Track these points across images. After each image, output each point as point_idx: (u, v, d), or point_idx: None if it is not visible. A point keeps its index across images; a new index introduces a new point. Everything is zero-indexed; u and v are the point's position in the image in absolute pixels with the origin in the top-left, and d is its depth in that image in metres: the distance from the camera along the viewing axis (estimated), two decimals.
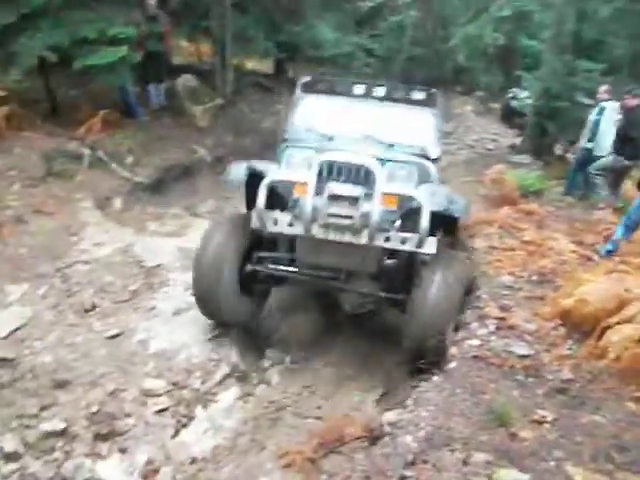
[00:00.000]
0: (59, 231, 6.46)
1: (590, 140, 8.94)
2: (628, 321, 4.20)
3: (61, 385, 4.65)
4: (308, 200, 4.46)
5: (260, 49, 12.68)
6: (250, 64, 14.92)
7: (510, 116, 17.13)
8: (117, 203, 7.77)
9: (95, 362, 4.91)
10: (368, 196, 4.50)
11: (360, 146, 5.27)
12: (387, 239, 4.53)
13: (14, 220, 6.40)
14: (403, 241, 4.52)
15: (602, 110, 8.84)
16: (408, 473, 2.92)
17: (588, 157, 8.98)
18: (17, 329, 5.13)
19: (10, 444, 4.11)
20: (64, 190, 7.25)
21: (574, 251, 6.40)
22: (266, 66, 15.23)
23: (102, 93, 9.26)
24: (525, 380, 4.02)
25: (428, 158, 5.53)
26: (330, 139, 5.53)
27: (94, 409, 4.48)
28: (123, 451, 4.27)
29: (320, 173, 4.65)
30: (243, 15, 11.54)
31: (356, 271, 4.98)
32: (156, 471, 4.14)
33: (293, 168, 5.18)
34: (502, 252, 6.43)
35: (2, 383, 4.59)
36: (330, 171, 4.79)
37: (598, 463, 3.11)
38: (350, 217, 4.44)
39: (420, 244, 4.45)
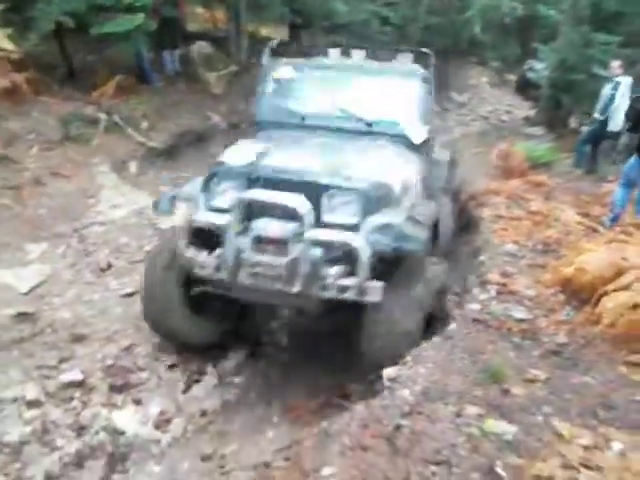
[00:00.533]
0: (76, 193, 6.66)
1: (602, 114, 8.94)
2: (624, 289, 4.32)
3: (79, 339, 4.89)
4: (230, 246, 4.05)
5: (274, 15, 12.67)
6: (265, 31, 14.91)
7: (525, 88, 17.04)
8: (132, 167, 7.95)
9: (111, 319, 5.15)
10: (300, 235, 3.98)
11: (334, 122, 5.11)
12: (323, 287, 3.99)
13: (33, 182, 6.60)
14: (342, 290, 3.97)
15: (617, 85, 8.81)
16: (404, 422, 3.11)
17: (600, 131, 9.00)
18: (37, 286, 5.37)
19: (32, 392, 4.32)
20: (81, 154, 7.44)
21: (580, 222, 6.51)
22: (281, 33, 15.22)
23: (118, 58, 9.38)
24: (521, 342, 4.17)
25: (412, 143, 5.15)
26: (302, 118, 5.27)
27: (109, 362, 4.70)
28: (137, 402, 4.47)
29: (249, 205, 4.14)
30: None
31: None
32: (168, 421, 4.36)
33: (221, 198, 4.35)
34: (508, 221, 6.56)
35: (23, 336, 4.83)
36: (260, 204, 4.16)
37: (584, 419, 3.27)
38: (277, 266, 3.96)
39: (362, 293, 3.93)
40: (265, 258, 3.99)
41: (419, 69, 5.53)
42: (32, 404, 4.26)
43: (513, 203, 7.17)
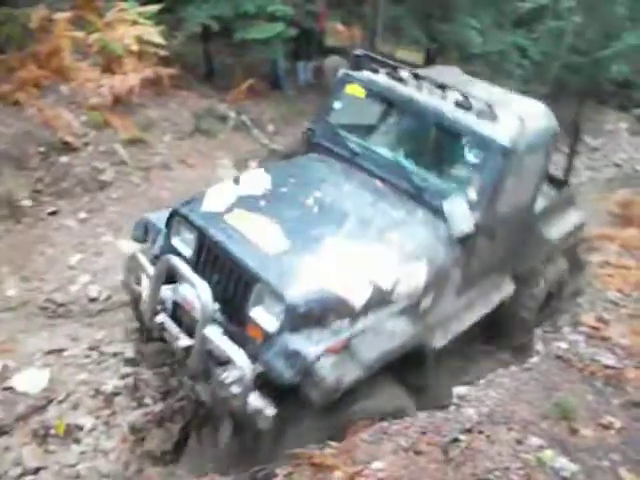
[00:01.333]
0: (198, 181, 7.14)
1: None
2: None
3: None
4: (150, 297, 3.76)
5: (410, 39, 12.86)
6: (400, 54, 15.14)
7: None
8: (253, 165, 8.40)
9: None
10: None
11: (386, 172, 4.31)
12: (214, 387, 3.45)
13: (161, 166, 7.18)
14: (228, 397, 3.30)
15: None
16: (462, 437, 3.15)
17: None
18: None
19: (130, 352, 4.71)
20: (207, 146, 7.97)
21: None
22: (416, 57, 15.37)
23: (254, 64, 9.94)
24: (603, 388, 4.05)
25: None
26: (354, 154, 4.51)
27: None
28: None
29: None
30: (397, 4, 11.77)
31: None
32: None
33: (178, 239, 3.98)
34: (616, 269, 6.31)
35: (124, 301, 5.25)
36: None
37: None
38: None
39: (255, 418, 3.24)
40: (170, 326, 3.69)
41: (506, 138, 4.08)
42: (129, 362, 4.63)
43: (625, 252, 6.87)
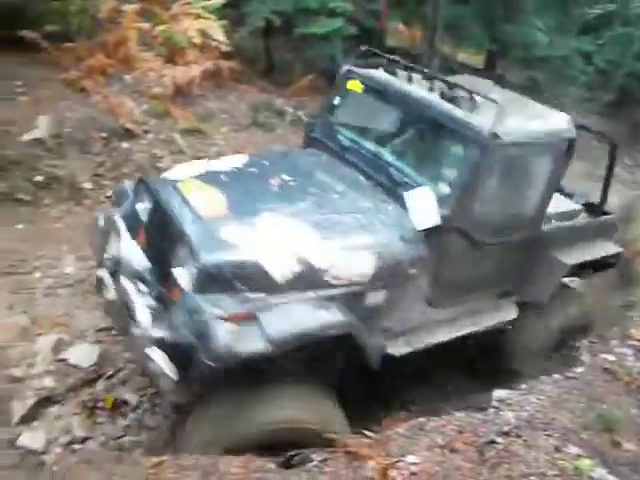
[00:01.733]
0: None
1: None
2: None
3: None
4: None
5: (471, 40, 12.72)
6: (461, 56, 14.98)
7: None
8: None
9: None
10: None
11: (369, 167, 4.19)
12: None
13: (217, 156, 7.27)
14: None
15: None
16: (499, 439, 3.13)
17: None
18: None
19: None
20: (263, 139, 8.09)
21: None
22: (477, 60, 15.19)
23: (313, 60, 10.01)
24: None
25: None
26: (343, 149, 4.44)
27: None
28: None
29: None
30: (459, 4, 11.65)
31: None
32: None
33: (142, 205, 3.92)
34: None
35: None
36: None
37: None
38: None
39: (159, 380, 3.16)
40: (106, 280, 3.65)
41: (483, 129, 3.74)
42: None
43: None
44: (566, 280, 4.91)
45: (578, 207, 5.05)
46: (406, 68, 4.38)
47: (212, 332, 2.99)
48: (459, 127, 3.84)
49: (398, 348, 3.76)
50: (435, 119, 4.02)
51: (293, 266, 3.31)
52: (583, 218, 5.01)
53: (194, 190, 3.72)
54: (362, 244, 3.56)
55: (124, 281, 3.43)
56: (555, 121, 4.28)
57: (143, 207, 3.85)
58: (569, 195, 5.24)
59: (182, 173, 4.01)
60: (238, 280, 3.18)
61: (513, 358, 4.73)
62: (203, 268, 3.16)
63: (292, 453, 3.06)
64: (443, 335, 4.03)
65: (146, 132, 6.97)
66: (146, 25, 7.85)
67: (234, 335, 3.00)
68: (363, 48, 4.78)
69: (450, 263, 3.93)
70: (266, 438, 3.11)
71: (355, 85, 4.58)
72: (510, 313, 4.50)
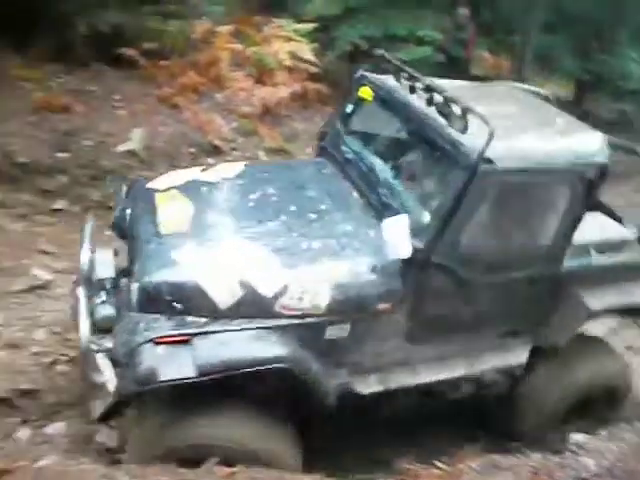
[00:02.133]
0: None
1: None
2: None
3: None
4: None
5: (561, 71, 12.46)
6: (550, 88, 14.67)
7: None
8: None
9: None
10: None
11: (362, 184, 3.85)
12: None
13: None
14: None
15: None
16: None
17: None
18: None
19: None
20: None
21: None
22: (566, 92, 14.85)
23: None
24: None
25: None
26: (347, 161, 4.09)
27: None
28: None
29: None
30: (550, 34, 11.46)
31: None
32: None
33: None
34: None
35: None
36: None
37: None
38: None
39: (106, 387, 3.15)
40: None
41: (470, 149, 3.22)
42: None
43: None
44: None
45: (629, 236, 4.15)
46: (410, 77, 3.84)
47: (138, 354, 2.89)
48: (448, 146, 3.37)
49: (367, 386, 3.46)
50: (428, 135, 3.59)
51: (236, 292, 3.09)
52: (631, 251, 4.11)
53: (167, 202, 3.65)
54: (323, 273, 3.22)
55: (78, 289, 3.39)
56: (582, 142, 3.65)
57: (128, 212, 3.85)
58: (619, 219, 4.35)
59: (169, 180, 3.95)
60: (179, 302, 3.05)
61: (521, 418, 4.12)
62: (143, 287, 3.08)
63: (358, 477, 3.03)
64: (428, 376, 3.64)
65: (233, 149, 7.19)
66: (238, 46, 8.15)
67: (161, 359, 2.87)
68: (378, 53, 4.27)
69: (430, 299, 3.47)
70: (196, 453, 3.00)
71: (366, 92, 4.23)
72: (518, 356, 3.94)
